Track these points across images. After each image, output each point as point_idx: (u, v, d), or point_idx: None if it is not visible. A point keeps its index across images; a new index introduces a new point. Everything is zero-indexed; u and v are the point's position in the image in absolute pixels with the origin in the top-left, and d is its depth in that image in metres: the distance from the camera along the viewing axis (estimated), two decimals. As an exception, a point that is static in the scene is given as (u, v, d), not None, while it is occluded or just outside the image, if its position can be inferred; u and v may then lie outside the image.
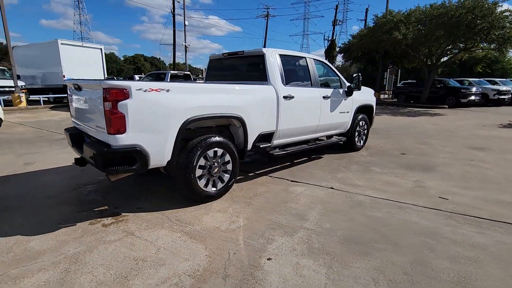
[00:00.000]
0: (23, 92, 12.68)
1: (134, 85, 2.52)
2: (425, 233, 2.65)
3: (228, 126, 3.63)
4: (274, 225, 2.77)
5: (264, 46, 32.47)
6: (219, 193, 3.32)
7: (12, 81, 12.40)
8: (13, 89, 12.36)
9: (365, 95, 5.78)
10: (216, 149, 3.19)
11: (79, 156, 3.23)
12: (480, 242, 2.51)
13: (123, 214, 2.95)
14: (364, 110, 5.83)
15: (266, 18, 35.21)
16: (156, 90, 2.65)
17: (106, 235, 2.54)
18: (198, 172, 3.07)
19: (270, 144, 3.93)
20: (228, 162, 3.35)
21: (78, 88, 3.05)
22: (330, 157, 5.32)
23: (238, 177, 4.10)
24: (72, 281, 1.96)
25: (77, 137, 3.30)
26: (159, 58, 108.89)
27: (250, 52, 4.07)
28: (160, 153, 2.75)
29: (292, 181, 4.03)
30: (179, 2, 27.56)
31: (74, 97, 3.29)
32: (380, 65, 21.71)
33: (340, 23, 41.75)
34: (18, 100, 12.43)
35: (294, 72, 4.40)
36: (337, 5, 34.01)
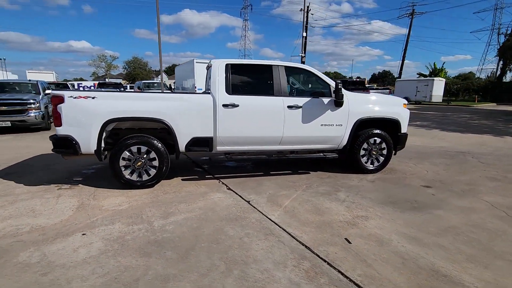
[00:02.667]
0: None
1: (67, 93, 3.62)
2: (235, 262, 2.33)
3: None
4: (136, 215, 3.17)
5: (405, 49, 28.27)
6: (144, 183, 3.95)
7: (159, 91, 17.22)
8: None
9: (378, 106, 4.71)
10: (140, 146, 3.86)
11: None
12: (269, 290, 2.00)
13: (80, 185, 4.14)
14: (380, 125, 4.75)
15: (411, 16, 30.51)
16: (83, 97, 3.65)
17: (48, 194, 3.76)
18: (122, 162, 3.84)
19: (207, 149, 4.15)
20: (154, 159, 3.94)
21: None
22: (314, 175, 4.74)
23: (193, 176, 4.57)
24: (-7, 211, 3.22)
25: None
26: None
27: (209, 63, 4.44)
28: (86, 143, 3.72)
29: (228, 188, 4.08)
30: (311, 14, 28.74)
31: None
32: None
33: (531, 10, 30.44)
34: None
35: (247, 81, 4.38)
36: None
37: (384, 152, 4.84)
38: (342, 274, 2.19)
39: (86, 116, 3.67)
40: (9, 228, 2.85)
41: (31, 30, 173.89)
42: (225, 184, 4.23)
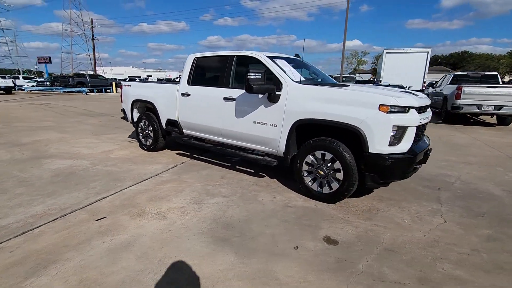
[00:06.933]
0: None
1: (124, 83, 5.91)
2: (43, 193, 3.49)
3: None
4: (104, 161, 4.89)
5: None
6: (146, 147, 5.58)
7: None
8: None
9: (328, 105, 3.15)
10: (145, 120, 5.49)
11: None
12: None
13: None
14: (340, 135, 3.20)
15: None
16: (127, 85, 5.78)
17: (119, 142, 6.35)
18: (138, 130, 5.68)
19: (176, 130, 4.97)
20: (151, 131, 5.43)
21: None
22: (263, 180, 4.10)
23: (187, 152, 5.58)
24: (52, 146, 6.21)
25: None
26: None
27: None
28: (128, 115, 5.89)
29: (175, 165, 4.75)
30: None
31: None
32: None
33: None
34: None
35: (206, 72, 4.59)
36: None
37: (339, 176, 3.18)
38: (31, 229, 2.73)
39: (127, 97, 5.82)
40: (72, 151, 5.58)
41: (316, 35, 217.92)
42: (184, 162, 4.91)
